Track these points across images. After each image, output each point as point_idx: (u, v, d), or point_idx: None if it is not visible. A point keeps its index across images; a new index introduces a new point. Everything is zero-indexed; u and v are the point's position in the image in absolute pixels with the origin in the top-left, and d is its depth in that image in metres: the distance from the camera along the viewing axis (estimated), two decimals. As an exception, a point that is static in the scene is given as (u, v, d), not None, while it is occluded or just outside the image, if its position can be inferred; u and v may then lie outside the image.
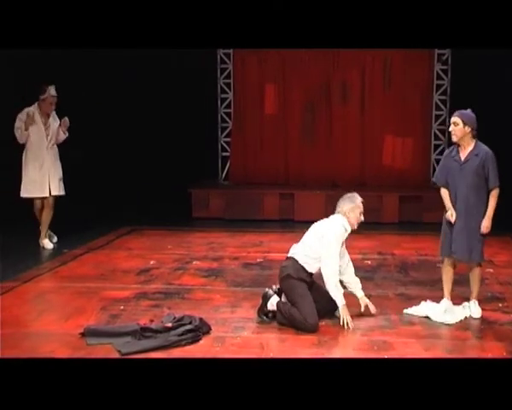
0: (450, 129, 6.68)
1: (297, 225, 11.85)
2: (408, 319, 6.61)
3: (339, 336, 6.14)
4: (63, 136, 9.59)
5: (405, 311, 6.80)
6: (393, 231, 11.39)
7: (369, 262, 9.02)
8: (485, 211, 6.56)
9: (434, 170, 12.96)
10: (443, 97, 13.11)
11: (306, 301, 6.32)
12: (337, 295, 6.36)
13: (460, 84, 12.54)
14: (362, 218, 6.70)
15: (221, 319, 6.55)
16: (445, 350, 5.87)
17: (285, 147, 13.21)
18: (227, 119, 13.49)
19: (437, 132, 13.14)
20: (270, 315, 6.48)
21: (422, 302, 6.89)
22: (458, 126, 6.60)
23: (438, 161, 12.96)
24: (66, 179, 9.85)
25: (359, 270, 8.51)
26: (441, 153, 12.92)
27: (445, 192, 6.79)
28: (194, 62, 12.31)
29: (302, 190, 12.52)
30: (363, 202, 6.73)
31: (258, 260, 9.13)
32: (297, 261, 6.55)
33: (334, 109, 13.07)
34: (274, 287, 6.72)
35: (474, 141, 6.65)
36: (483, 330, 6.37)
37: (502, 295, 7.19)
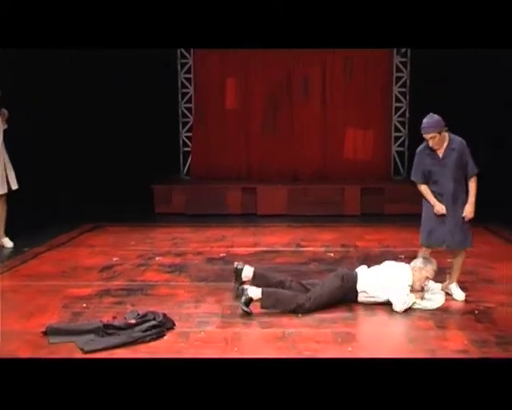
0: (431, 144, 6.76)
1: (259, 219, 11.88)
2: (371, 309, 6.66)
3: (302, 328, 6.16)
4: (2, 127, 9.28)
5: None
6: (356, 224, 11.46)
7: (332, 255, 9.07)
8: (467, 198, 6.81)
9: (395, 162, 13.11)
10: (402, 89, 13.24)
11: (330, 295, 6.62)
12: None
13: (419, 77, 12.68)
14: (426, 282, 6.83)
15: (185, 314, 6.53)
16: (408, 340, 5.93)
17: (247, 141, 13.21)
18: (188, 113, 13.44)
19: (397, 124, 13.25)
20: (246, 290, 6.49)
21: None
22: (436, 138, 6.73)
23: (399, 153, 13.10)
24: (27, 176, 9.71)
25: (322, 262, 8.59)
26: (402, 145, 13.10)
27: (425, 188, 6.95)
28: (154, 57, 12.23)
29: (264, 184, 12.52)
30: (435, 271, 6.85)
31: (222, 254, 9.12)
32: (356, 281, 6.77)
33: (295, 103, 13.10)
34: (241, 263, 6.97)
35: (448, 136, 6.82)
36: (445, 320, 6.44)
37: (464, 284, 7.28)
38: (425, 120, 6.76)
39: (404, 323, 6.41)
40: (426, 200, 6.98)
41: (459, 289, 7.09)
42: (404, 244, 9.54)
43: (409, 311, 6.60)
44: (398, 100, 13.26)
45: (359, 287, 6.73)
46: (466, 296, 7.04)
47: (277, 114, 13.15)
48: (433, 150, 6.79)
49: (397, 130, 13.30)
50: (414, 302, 6.70)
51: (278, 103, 13.10)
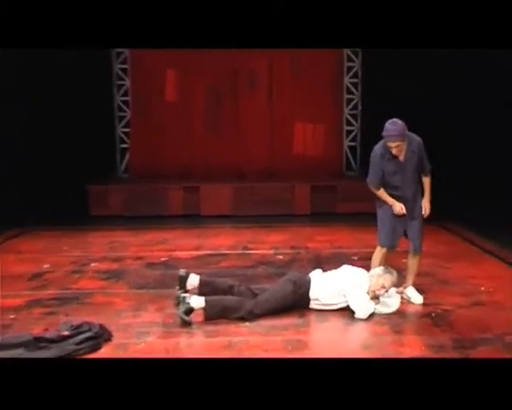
0: (395, 153, 6.77)
1: (203, 220, 11.86)
2: (323, 315, 6.71)
3: (250, 336, 6.17)
4: None
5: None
6: (306, 224, 11.54)
7: (282, 257, 9.10)
8: (420, 197, 6.99)
9: (348, 157, 13.24)
10: (354, 80, 13.37)
11: (281, 301, 6.64)
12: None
13: (371, 67, 12.82)
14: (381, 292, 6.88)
15: (123, 324, 6.47)
16: (363, 347, 5.99)
17: (189, 136, 13.18)
18: (124, 107, 13.35)
19: (349, 118, 13.39)
20: (186, 298, 6.47)
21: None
22: (400, 146, 6.77)
23: (351, 148, 13.25)
24: None
25: (271, 266, 8.61)
26: (354, 139, 13.24)
27: (382, 192, 7.01)
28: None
29: (208, 182, 12.52)
30: (393, 282, 6.92)
31: (163, 259, 9.08)
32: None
33: (240, 96, 13.14)
34: (185, 270, 6.91)
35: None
36: (401, 324, 6.53)
37: (420, 286, 7.38)
38: (390, 127, 6.70)
39: (359, 328, 6.47)
40: (383, 201, 7.04)
41: (416, 292, 7.20)
42: (357, 245, 9.64)
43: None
44: (349, 91, 13.40)
45: (312, 294, 6.77)
46: (423, 299, 7.14)
47: (221, 107, 13.16)
48: (393, 156, 6.82)
49: (349, 123, 13.44)
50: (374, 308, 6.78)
51: (222, 96, 13.12)
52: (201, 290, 6.81)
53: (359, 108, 13.34)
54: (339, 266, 7.17)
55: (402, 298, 7.10)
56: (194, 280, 6.88)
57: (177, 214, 12.10)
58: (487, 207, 11.04)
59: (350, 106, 13.37)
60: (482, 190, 11.40)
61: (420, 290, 7.27)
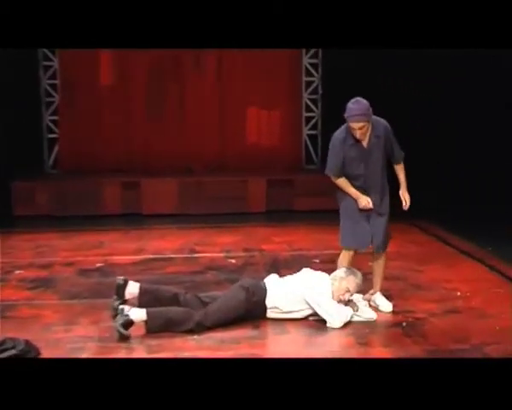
0: (359, 136, 6.79)
1: (145, 219, 11.82)
2: (281, 327, 6.72)
3: (199, 351, 6.16)
4: None
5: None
6: (261, 223, 11.57)
7: (234, 261, 9.12)
8: (388, 191, 7.04)
9: (307, 148, 13.30)
10: (314, 61, 13.43)
11: (233, 311, 6.64)
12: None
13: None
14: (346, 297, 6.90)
15: (53, 339, 6.42)
16: (325, 361, 6.02)
17: (127, 125, 13.12)
18: (53, 92, 13.20)
19: (308, 103, 13.44)
20: (125, 310, 6.44)
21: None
22: (365, 128, 6.79)
23: (311, 137, 13.31)
24: None
25: (222, 271, 8.62)
26: (314, 127, 13.31)
27: (344, 181, 7.00)
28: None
29: (149, 177, 12.48)
30: (358, 284, 6.94)
31: (98, 264, 9.03)
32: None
33: (186, 79, 13.12)
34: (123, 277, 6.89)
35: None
36: (368, 335, 6.57)
37: (389, 292, 7.45)
38: (352, 106, 6.73)
39: (321, 341, 6.51)
40: (346, 194, 7.04)
41: (385, 299, 7.24)
42: (318, 246, 9.69)
43: (327, 327, 6.69)
44: (308, 73, 13.45)
45: (269, 302, 6.78)
46: (393, 306, 7.19)
47: (164, 91, 13.11)
48: (356, 140, 6.85)
49: (308, 109, 13.50)
50: (352, 315, 6.83)
51: (165, 79, 13.08)
52: (142, 300, 6.78)
53: (320, 91, 13.40)
54: (298, 270, 7.19)
55: (370, 306, 7.14)
56: (133, 288, 6.84)
57: (115, 214, 12.03)
58: (463, 204, 11.18)
59: (309, 89, 13.42)
60: (458, 186, 11.55)
61: (389, 297, 7.34)
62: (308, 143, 13.49)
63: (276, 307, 6.79)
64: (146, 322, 6.47)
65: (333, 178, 7.05)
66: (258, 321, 6.79)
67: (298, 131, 13.45)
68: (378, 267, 7.27)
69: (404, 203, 7.05)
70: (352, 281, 6.88)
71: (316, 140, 13.47)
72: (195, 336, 6.45)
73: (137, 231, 11.03)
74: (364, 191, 6.97)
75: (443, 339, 6.41)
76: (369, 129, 6.84)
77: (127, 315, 6.43)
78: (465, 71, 11.85)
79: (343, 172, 6.98)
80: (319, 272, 7.12)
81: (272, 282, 6.94)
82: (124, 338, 6.35)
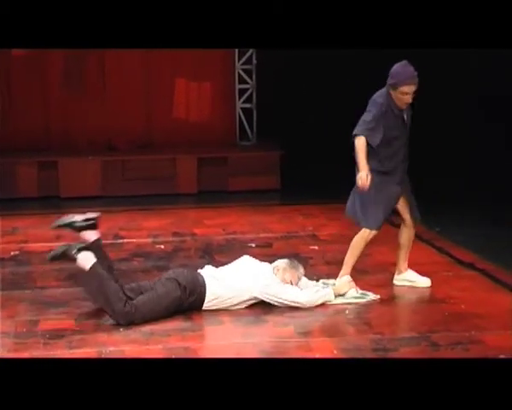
0: (409, 101, 6.98)
1: (64, 203, 11.72)
2: (216, 317, 6.75)
3: (126, 346, 6.15)
4: None
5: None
6: (192, 205, 11.59)
7: (163, 247, 9.11)
8: None
9: (241, 122, 13.29)
10: (248, 28, 13.44)
11: (165, 310, 6.64)
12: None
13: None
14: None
15: (-38, 337, 6.35)
16: (262, 353, 6.06)
17: (43, 98, 12.97)
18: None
19: (242, 74, 13.42)
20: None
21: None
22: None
23: (244, 111, 13.30)
24: None
25: (149, 258, 8.61)
26: (249, 100, 13.30)
27: (363, 145, 6.97)
28: None
29: (68, 156, 12.36)
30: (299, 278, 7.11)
31: (13, 253, 8.95)
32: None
33: (107, 49, 12.96)
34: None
35: None
36: (308, 325, 6.65)
37: (332, 277, 7.52)
38: (406, 68, 6.94)
39: (258, 331, 6.56)
40: (356, 158, 7.03)
41: (418, 275, 7.48)
42: (254, 230, 9.75)
43: (265, 316, 6.75)
44: (242, 42, 13.45)
45: (209, 297, 6.80)
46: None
47: (84, 61, 12.98)
48: (400, 111, 7.04)
49: (242, 80, 13.48)
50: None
51: (84, 50, 12.91)
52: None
53: (254, 61, 13.40)
54: (233, 256, 7.23)
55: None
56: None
57: (30, 197, 11.89)
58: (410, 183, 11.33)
59: (243, 59, 13.41)
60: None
61: (330, 283, 7.40)
62: (242, 117, 13.47)
63: (215, 299, 6.80)
64: (85, 272, 6.52)
65: (357, 139, 6.99)
66: (191, 311, 6.81)
67: (231, 104, 13.42)
68: (409, 242, 7.51)
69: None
70: (294, 273, 6.98)
71: (250, 114, 13.46)
72: (121, 329, 6.44)
73: (55, 216, 10.82)
74: (396, 168, 7.16)
75: (389, 327, 6.52)
76: None
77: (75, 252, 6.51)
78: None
79: (378, 140, 7.03)
80: (259, 261, 7.16)
81: (210, 275, 6.90)
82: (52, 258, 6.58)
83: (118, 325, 6.48)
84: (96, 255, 6.72)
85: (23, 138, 12.85)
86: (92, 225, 6.99)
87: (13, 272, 8.18)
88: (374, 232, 7.30)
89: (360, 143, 6.95)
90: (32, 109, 12.93)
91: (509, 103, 11.56)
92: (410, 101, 6.99)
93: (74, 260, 6.49)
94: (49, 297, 6.90)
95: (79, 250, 6.51)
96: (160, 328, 6.49)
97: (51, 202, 11.78)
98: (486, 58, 11.23)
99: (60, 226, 7.00)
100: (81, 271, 6.51)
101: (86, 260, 6.53)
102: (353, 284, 7.18)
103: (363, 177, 6.88)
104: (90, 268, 6.50)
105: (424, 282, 7.44)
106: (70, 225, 6.94)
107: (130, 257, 8.70)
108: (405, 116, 7.12)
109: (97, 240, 7.00)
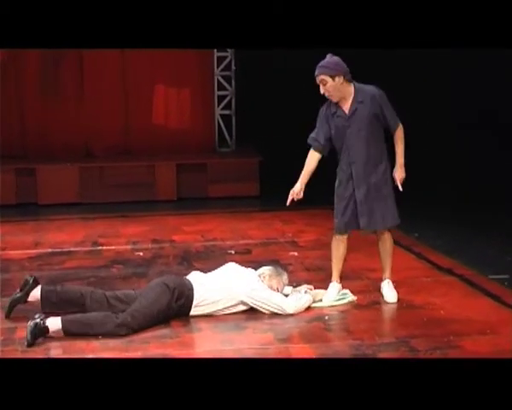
0: (322, 92, 6.95)
1: (42, 210, 11.70)
2: (195, 324, 6.77)
3: (104, 353, 6.16)
4: None
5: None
6: (171, 211, 11.59)
7: (141, 254, 9.11)
8: (386, 164, 7.16)
9: (220, 129, 13.32)
10: (227, 34, 13.46)
11: (158, 314, 6.65)
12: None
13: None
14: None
15: None
16: (242, 359, 6.09)
17: (19, 103, 12.90)
18: None
19: (221, 80, 13.44)
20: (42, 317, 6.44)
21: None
22: (328, 84, 6.91)
23: (224, 117, 13.33)
24: None
25: (128, 265, 8.62)
26: (228, 106, 13.32)
27: (309, 157, 7.15)
28: None
29: (46, 162, 12.32)
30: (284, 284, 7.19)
31: (-10, 260, 8.92)
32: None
33: (85, 53, 12.93)
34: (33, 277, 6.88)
35: (352, 86, 7.03)
36: (287, 331, 6.68)
37: (310, 284, 7.54)
38: (322, 61, 6.96)
39: (237, 338, 6.58)
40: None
41: (391, 289, 7.35)
42: (234, 236, 9.76)
43: (244, 322, 6.77)
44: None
45: (197, 300, 6.82)
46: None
47: (60, 66, 12.95)
48: (338, 107, 7.00)
49: (221, 87, 13.50)
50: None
51: (61, 53, 12.88)
52: (45, 304, 6.76)
53: (233, 67, 13.43)
54: (213, 262, 7.25)
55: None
56: (36, 292, 6.81)
57: (8, 204, 11.84)
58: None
59: (222, 65, 13.42)
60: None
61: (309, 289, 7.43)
62: (221, 123, 13.49)
63: (202, 302, 6.83)
64: (62, 329, 6.44)
65: (312, 150, 7.16)
66: (179, 317, 6.84)
67: (210, 110, 13.43)
68: (382, 251, 7.38)
69: (396, 178, 7.17)
70: (280, 280, 7.04)
71: (230, 120, 13.48)
72: (100, 337, 6.44)
73: (33, 223, 10.91)
74: (351, 165, 7.06)
75: (367, 333, 6.55)
76: (351, 94, 7.00)
77: (43, 322, 6.36)
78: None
79: (325, 145, 7.11)
80: (244, 267, 7.19)
81: (198, 281, 6.93)
82: (30, 345, 6.31)
83: (116, 334, 6.45)
84: (49, 303, 6.79)
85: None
86: (30, 285, 6.88)
87: (-10, 280, 8.15)
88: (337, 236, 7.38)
89: (309, 155, 7.19)
90: (7, 116, 12.87)
91: (491, 107, 11.69)
92: (322, 91, 6.95)
93: (47, 330, 6.43)
94: (27, 305, 6.88)
95: (42, 320, 6.43)
96: (139, 336, 6.50)
97: (29, 209, 11.76)
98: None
99: (10, 310, 6.87)
100: (58, 333, 6.47)
101: (53, 324, 6.46)
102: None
103: (294, 191, 7.18)
104: (63, 327, 6.45)
105: (391, 297, 7.37)
106: (15, 301, 6.84)
107: (109, 264, 8.69)
108: (347, 111, 7.05)
109: (43, 289, 6.89)
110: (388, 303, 7.27)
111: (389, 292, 7.33)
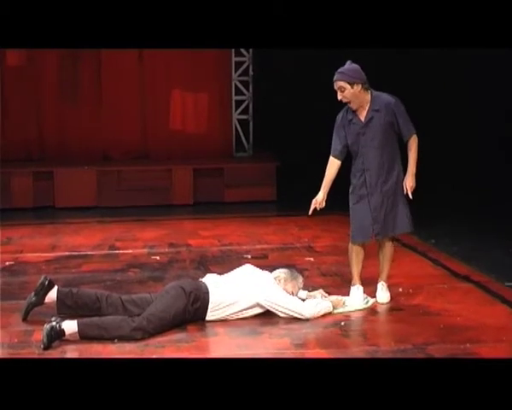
0: (339, 98, 6.99)
1: (59, 213, 11.73)
2: (211, 328, 6.76)
3: (119, 356, 6.16)
4: None
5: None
6: (187, 216, 11.60)
7: (158, 258, 9.12)
8: (399, 171, 7.19)
9: (238, 134, 13.33)
10: (244, 39, 13.46)
11: (174, 317, 6.63)
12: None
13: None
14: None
15: (-42, 347, 6.36)
16: (258, 364, 6.08)
17: (38, 109, 12.97)
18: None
19: (238, 85, 13.45)
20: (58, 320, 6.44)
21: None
22: (346, 91, 6.96)
23: (241, 122, 13.34)
24: None
25: (145, 269, 8.62)
26: (245, 111, 13.33)
27: (329, 165, 7.21)
28: None
29: (64, 166, 12.37)
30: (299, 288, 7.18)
31: (8, 263, 8.94)
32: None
33: (103, 58, 12.98)
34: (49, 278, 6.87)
35: (369, 94, 7.07)
36: (304, 336, 6.66)
37: (326, 289, 7.54)
38: (341, 68, 7.00)
39: (253, 342, 6.56)
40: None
41: (384, 291, 7.40)
42: (250, 241, 9.75)
43: (260, 327, 6.77)
44: (238, 53, 13.46)
45: (213, 304, 6.81)
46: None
47: (79, 71, 13.00)
48: (355, 114, 7.04)
49: (238, 92, 13.50)
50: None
51: (80, 57, 12.94)
52: (61, 306, 6.77)
53: (251, 72, 13.44)
54: (229, 267, 7.24)
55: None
56: (53, 293, 6.82)
57: (25, 207, 11.90)
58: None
59: (239, 70, 13.44)
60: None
61: (326, 294, 7.42)
62: (238, 128, 13.50)
63: (218, 306, 6.82)
64: (77, 332, 6.44)
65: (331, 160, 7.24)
66: (195, 321, 6.82)
67: (227, 115, 13.44)
68: (381, 256, 7.41)
69: (405, 186, 7.15)
70: (295, 284, 7.03)
71: (247, 125, 13.48)
72: (116, 341, 6.44)
73: (50, 226, 10.94)
74: (366, 171, 7.10)
75: (384, 339, 6.55)
76: (367, 103, 7.04)
77: (60, 325, 6.36)
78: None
79: (343, 153, 7.19)
80: (260, 270, 7.18)
81: (213, 283, 6.92)
82: (46, 348, 6.31)
83: (132, 339, 6.46)
84: (64, 306, 6.79)
85: (18, 149, 12.87)
86: (45, 288, 6.89)
87: (8, 283, 8.17)
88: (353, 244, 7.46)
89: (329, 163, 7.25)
90: (27, 121, 12.94)
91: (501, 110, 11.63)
92: (339, 98, 7.00)
93: (63, 333, 6.43)
94: (44, 308, 6.89)
95: (58, 323, 6.42)
96: (155, 339, 6.50)
97: (46, 212, 11.80)
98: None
99: (27, 313, 6.90)
100: (74, 336, 6.47)
101: (70, 327, 6.47)
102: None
103: (316, 199, 7.26)
104: (79, 330, 6.45)
105: (382, 297, 7.42)
106: (32, 305, 6.86)
107: (125, 268, 8.70)
108: (362, 119, 7.11)
109: (58, 292, 6.87)
110: (380, 304, 7.34)
111: (382, 293, 7.40)
